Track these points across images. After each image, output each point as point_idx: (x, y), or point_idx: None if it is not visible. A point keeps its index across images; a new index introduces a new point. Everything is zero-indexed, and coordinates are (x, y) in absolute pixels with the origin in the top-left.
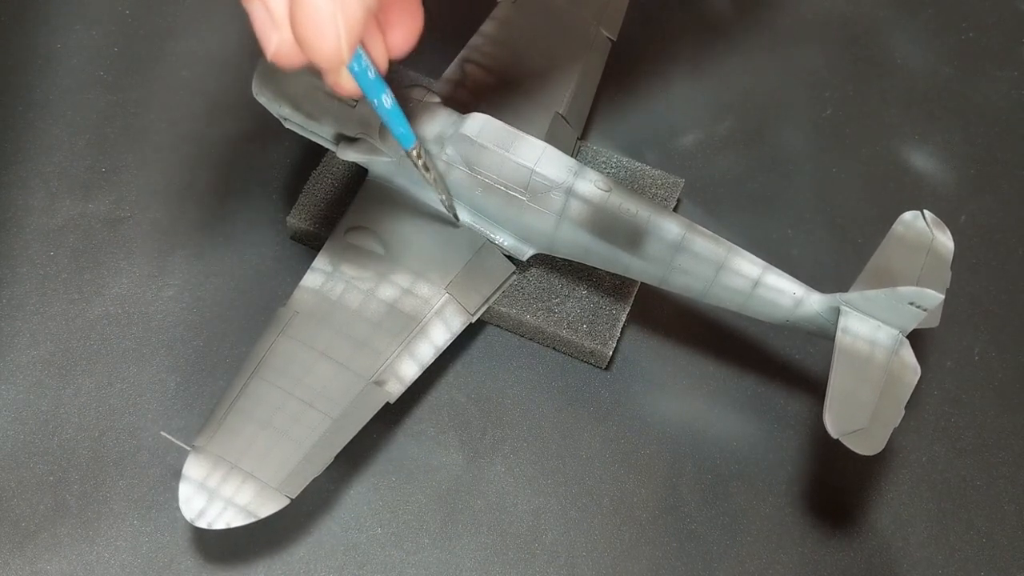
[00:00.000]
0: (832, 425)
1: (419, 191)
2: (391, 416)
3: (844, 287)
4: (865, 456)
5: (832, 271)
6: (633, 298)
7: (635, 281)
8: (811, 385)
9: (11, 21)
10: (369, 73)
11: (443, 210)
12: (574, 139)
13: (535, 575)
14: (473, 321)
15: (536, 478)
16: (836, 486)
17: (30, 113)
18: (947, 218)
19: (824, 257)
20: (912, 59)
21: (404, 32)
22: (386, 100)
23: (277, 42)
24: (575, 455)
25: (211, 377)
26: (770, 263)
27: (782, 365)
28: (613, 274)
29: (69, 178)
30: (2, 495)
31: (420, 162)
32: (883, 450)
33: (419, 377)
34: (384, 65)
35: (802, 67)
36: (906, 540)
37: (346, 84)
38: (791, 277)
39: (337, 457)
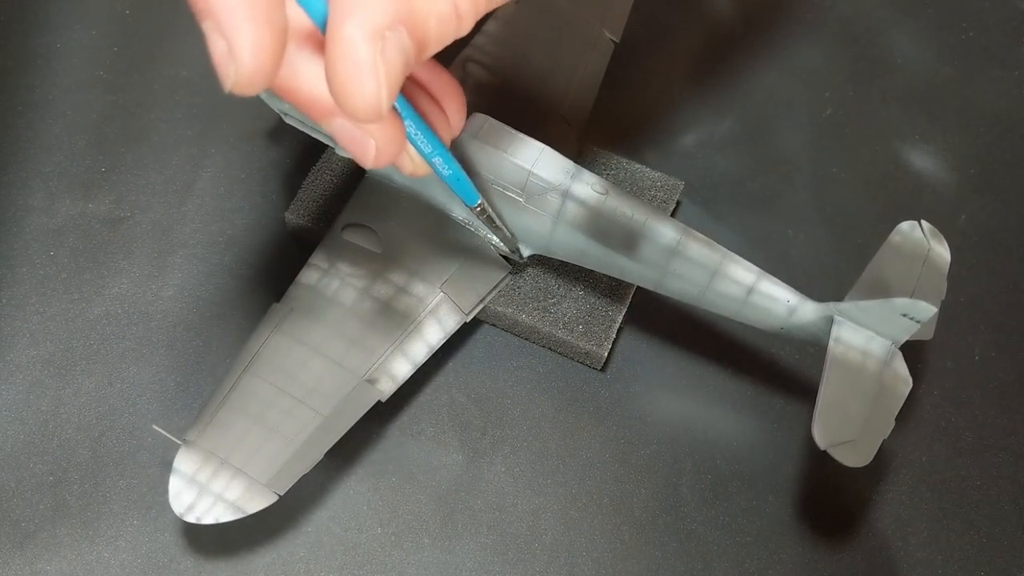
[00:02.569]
0: (820, 436)
1: (418, 189)
2: (391, 416)
3: (843, 288)
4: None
5: (832, 272)
6: (630, 299)
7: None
8: (811, 385)
9: (11, 21)
10: (425, 144)
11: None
12: (574, 140)
13: (535, 575)
14: (467, 320)
15: (536, 478)
16: (836, 486)
17: (30, 113)
18: (947, 218)
19: (824, 258)
20: (912, 59)
21: (455, 110)
22: (447, 166)
23: (235, 76)
24: (575, 455)
25: (212, 377)
26: (770, 263)
27: (782, 365)
28: (610, 276)
29: (69, 178)
30: (2, 495)
31: (484, 216)
32: (883, 450)
33: (419, 377)
34: (447, 139)
35: (802, 67)
36: (906, 540)
37: (417, 161)
38: (786, 285)
39: (334, 457)
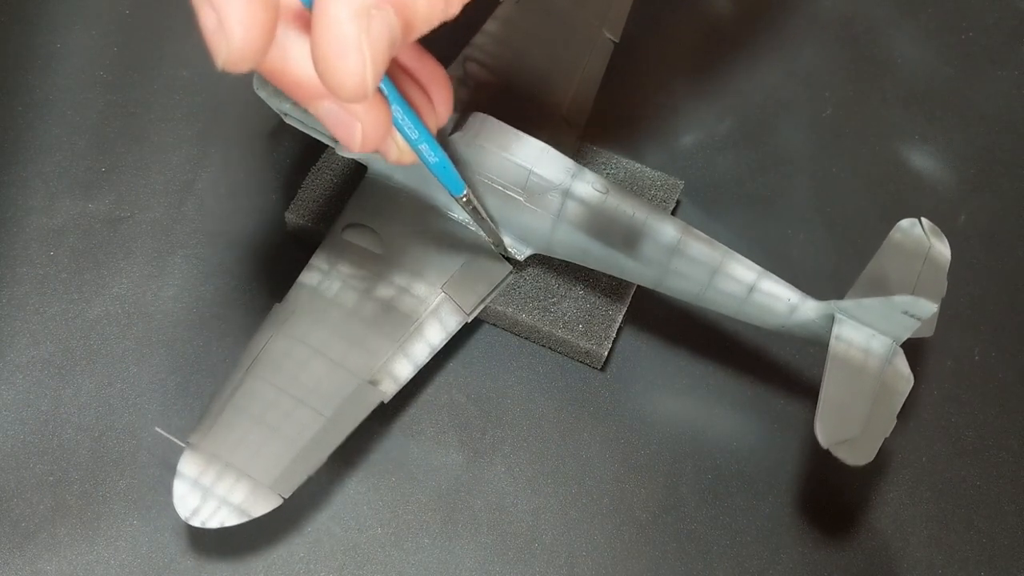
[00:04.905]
0: (823, 435)
1: (418, 189)
2: (391, 416)
3: (843, 287)
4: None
5: (832, 271)
6: (630, 299)
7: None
8: (811, 385)
9: (11, 21)
10: (411, 131)
11: (457, 216)
12: (574, 140)
13: (535, 575)
14: (469, 321)
15: (536, 478)
16: (836, 486)
17: (30, 113)
18: (947, 218)
19: (824, 257)
20: (912, 59)
21: (442, 99)
22: (434, 153)
23: (226, 51)
24: (575, 455)
25: (212, 377)
26: (769, 263)
27: (782, 365)
28: (610, 275)
29: (69, 178)
30: (2, 495)
31: (470, 208)
32: (883, 450)
33: (419, 376)
34: (434, 127)
35: (802, 67)
36: (906, 540)
37: (403, 148)
38: (787, 283)
39: (334, 457)
